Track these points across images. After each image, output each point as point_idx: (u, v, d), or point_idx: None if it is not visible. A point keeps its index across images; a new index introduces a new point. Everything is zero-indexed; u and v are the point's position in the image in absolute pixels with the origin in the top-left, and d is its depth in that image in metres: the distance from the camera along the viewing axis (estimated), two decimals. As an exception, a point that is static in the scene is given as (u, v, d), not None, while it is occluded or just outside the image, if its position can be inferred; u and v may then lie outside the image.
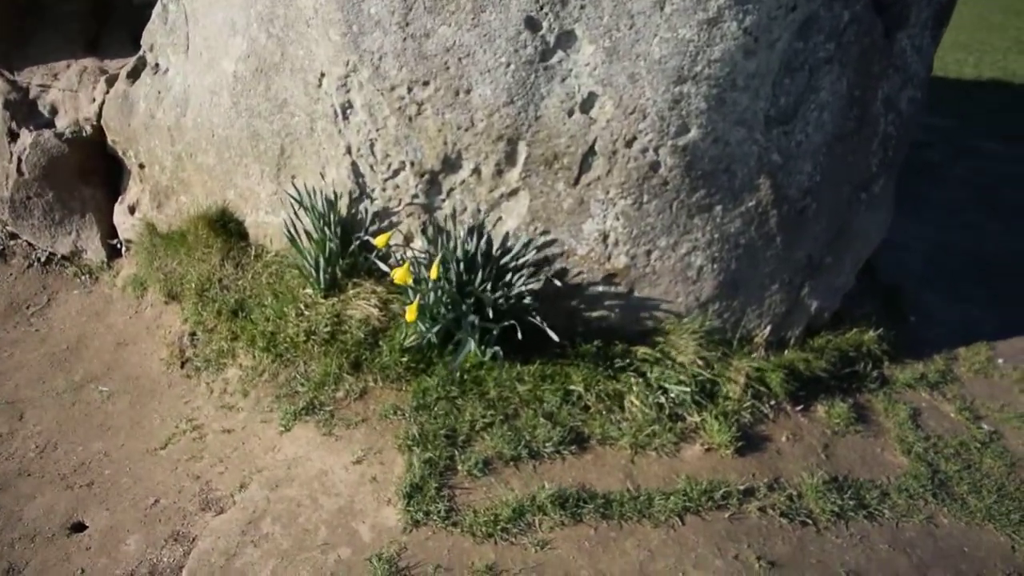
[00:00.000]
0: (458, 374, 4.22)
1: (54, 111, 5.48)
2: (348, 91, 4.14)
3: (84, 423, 4.44)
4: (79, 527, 3.79)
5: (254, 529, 3.59)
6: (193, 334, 4.75)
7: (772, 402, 4.40)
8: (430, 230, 4.33)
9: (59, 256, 5.78)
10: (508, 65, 3.83)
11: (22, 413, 4.54)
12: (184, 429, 4.26)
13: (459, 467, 3.83)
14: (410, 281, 4.00)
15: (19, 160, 5.42)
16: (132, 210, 5.48)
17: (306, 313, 4.44)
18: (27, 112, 5.46)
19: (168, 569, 3.48)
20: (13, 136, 5.44)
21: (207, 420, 4.30)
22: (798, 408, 4.43)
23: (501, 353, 4.13)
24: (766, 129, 4.04)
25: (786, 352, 4.62)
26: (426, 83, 3.95)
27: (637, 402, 4.19)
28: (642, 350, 4.39)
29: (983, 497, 4.00)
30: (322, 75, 4.19)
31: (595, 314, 4.42)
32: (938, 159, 8.48)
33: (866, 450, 4.27)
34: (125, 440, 4.28)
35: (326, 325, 4.36)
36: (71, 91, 5.41)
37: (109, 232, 5.70)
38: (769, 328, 4.56)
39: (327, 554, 3.45)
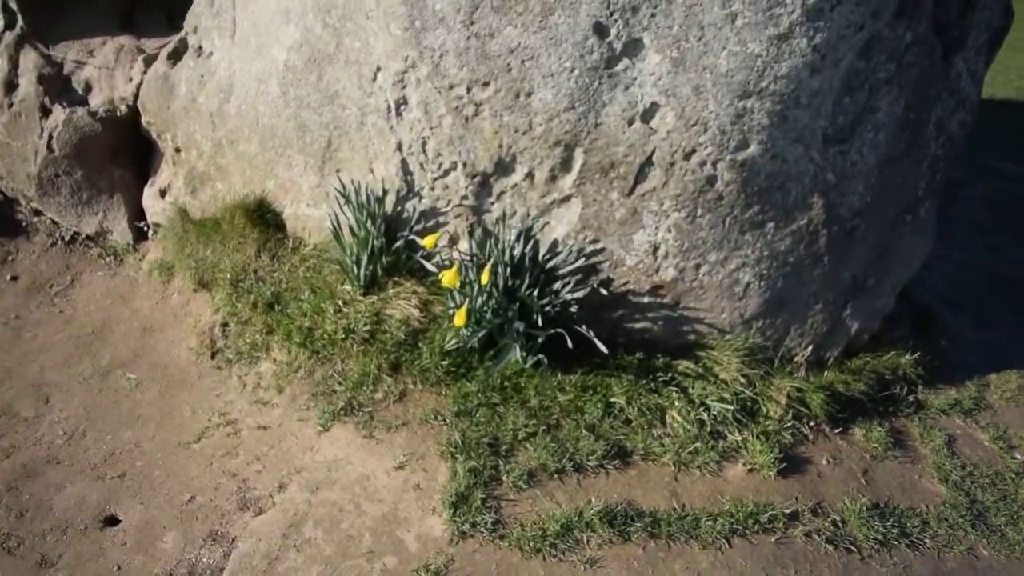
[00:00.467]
0: (498, 381, 4.16)
1: (88, 88, 5.36)
2: (404, 87, 4.06)
3: (112, 411, 4.34)
4: (112, 520, 3.71)
5: (296, 533, 3.52)
6: (225, 325, 4.65)
7: (812, 423, 4.36)
8: (478, 233, 4.25)
9: (83, 236, 5.67)
10: (572, 70, 3.76)
11: (48, 397, 4.45)
12: (217, 423, 4.18)
13: (504, 478, 3.77)
14: (458, 284, 3.94)
15: (50, 136, 5.30)
16: (163, 193, 5.38)
17: (345, 310, 4.36)
18: (61, 88, 5.33)
19: (208, 570, 3.40)
20: (45, 112, 5.31)
21: (241, 415, 4.22)
22: (836, 430, 4.39)
23: (546, 361, 4.06)
24: (823, 148, 3.99)
25: (825, 373, 4.58)
26: (486, 84, 3.88)
27: (679, 417, 4.13)
28: (684, 364, 4.33)
29: (1020, 530, 3.98)
30: (378, 69, 4.10)
31: (638, 325, 4.36)
32: (958, 178, 8.46)
33: (904, 477, 4.24)
34: (156, 431, 4.19)
35: (365, 324, 4.28)
36: (107, 69, 5.29)
37: (136, 214, 5.60)
38: (810, 348, 4.52)
39: (372, 563, 3.38)
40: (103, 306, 5.20)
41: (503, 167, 4.07)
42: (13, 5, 5.33)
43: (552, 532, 3.51)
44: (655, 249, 4.13)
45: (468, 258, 4.20)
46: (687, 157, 3.87)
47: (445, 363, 4.20)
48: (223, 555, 3.46)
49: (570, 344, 3.97)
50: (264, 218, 4.83)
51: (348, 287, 4.44)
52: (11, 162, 5.50)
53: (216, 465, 3.93)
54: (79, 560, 3.48)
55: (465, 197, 4.20)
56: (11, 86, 5.40)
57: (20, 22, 5.37)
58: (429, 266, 4.31)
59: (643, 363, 4.30)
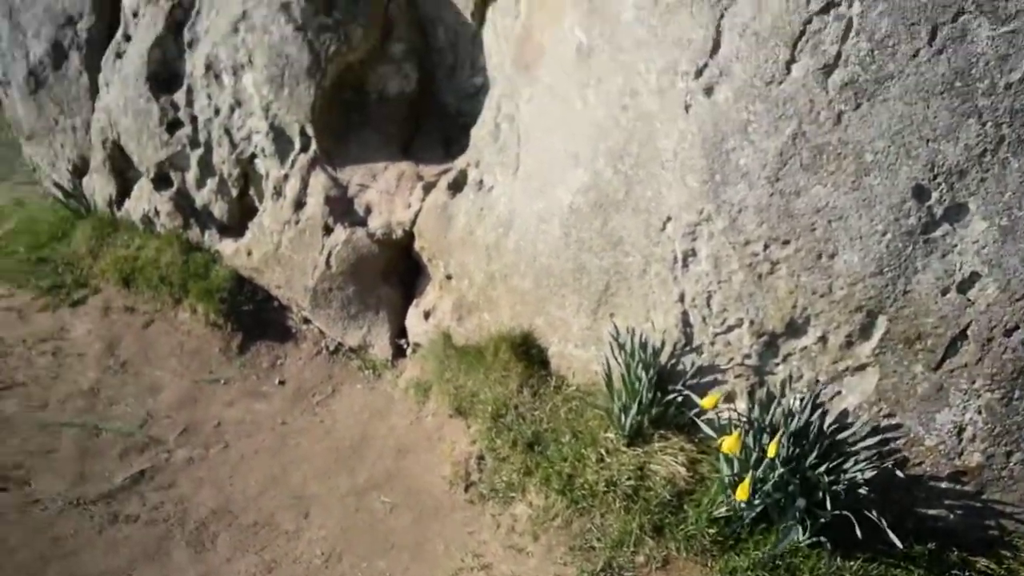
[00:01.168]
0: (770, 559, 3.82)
1: (368, 211, 5.63)
2: (695, 239, 3.93)
3: (368, 534, 4.35)
4: (367, 661, 3.66)
5: None
6: (481, 458, 4.59)
7: None
8: (759, 394, 3.99)
9: (346, 347, 5.88)
10: (884, 234, 3.49)
11: (308, 511, 4.53)
12: (471, 565, 4.07)
13: None
14: (737, 451, 3.68)
15: (329, 254, 5.59)
16: (427, 315, 5.50)
17: (607, 460, 4.19)
18: (344, 209, 5.63)
19: None
20: (327, 230, 5.62)
21: (495, 560, 4.09)
22: None
23: (829, 545, 3.69)
24: None
25: None
26: (786, 242, 3.68)
27: (980, 628, 3.62)
28: (983, 563, 3.81)
29: None
30: (668, 219, 4.01)
31: (932, 512, 3.91)
32: None
33: None
34: (409, 564, 4.14)
35: (629, 477, 4.08)
36: (388, 193, 5.54)
37: (398, 332, 5.75)
38: None
39: None
40: (361, 419, 5.31)
41: (794, 328, 3.82)
42: (309, 131, 5.73)
43: None
44: (960, 430, 3.70)
45: (745, 421, 3.94)
46: (1007, 334, 3.48)
47: (712, 531, 3.91)
48: None
49: (859, 532, 3.59)
50: (528, 353, 4.79)
51: (611, 435, 4.27)
52: (291, 274, 5.84)
53: (471, 613, 3.82)
54: None
55: (748, 356, 3.97)
56: (299, 204, 5.77)
57: (314, 146, 5.76)
58: (702, 424, 4.07)
59: (935, 555, 3.82)
